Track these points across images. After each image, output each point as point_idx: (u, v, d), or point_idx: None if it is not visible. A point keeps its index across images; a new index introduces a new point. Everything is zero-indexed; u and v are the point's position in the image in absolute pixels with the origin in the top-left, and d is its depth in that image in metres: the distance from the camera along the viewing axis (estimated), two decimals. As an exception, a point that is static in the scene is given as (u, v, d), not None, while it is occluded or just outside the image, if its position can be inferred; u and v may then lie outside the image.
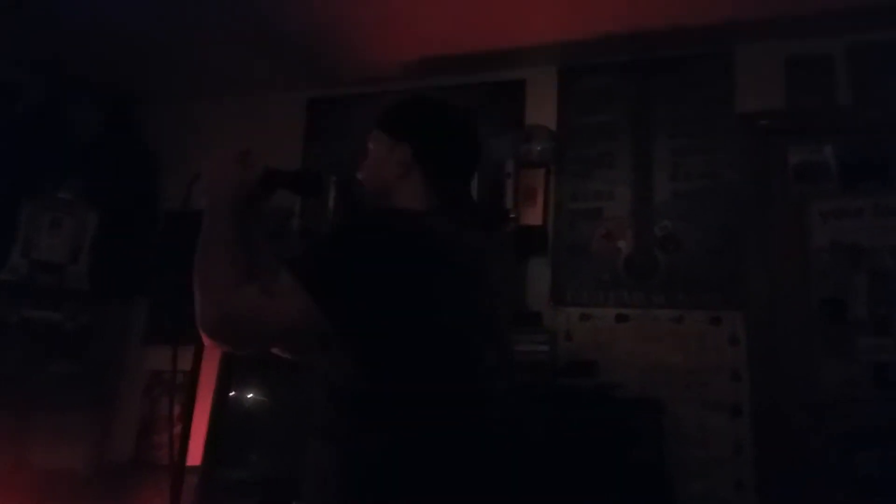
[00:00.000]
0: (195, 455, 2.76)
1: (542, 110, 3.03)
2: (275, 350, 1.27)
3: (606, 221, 2.82)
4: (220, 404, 2.73)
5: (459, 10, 2.72)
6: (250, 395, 2.81)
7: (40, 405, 3.03)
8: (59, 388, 3.06)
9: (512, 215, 2.75)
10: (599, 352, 2.63)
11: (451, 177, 1.38)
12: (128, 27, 2.98)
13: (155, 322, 3.35)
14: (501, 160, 2.87)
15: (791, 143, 2.68)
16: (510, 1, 2.64)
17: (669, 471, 2.26)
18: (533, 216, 2.82)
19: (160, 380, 3.25)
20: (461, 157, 1.41)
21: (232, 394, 2.76)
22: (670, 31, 2.75)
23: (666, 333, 2.61)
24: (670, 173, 2.78)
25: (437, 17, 2.78)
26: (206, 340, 1.15)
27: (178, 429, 1.58)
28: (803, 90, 2.68)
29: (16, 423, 2.95)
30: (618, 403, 2.31)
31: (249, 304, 1.12)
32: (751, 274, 2.57)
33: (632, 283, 2.71)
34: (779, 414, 2.43)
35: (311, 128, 3.41)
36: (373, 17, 2.80)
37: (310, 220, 3.04)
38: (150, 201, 3.46)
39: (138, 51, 3.19)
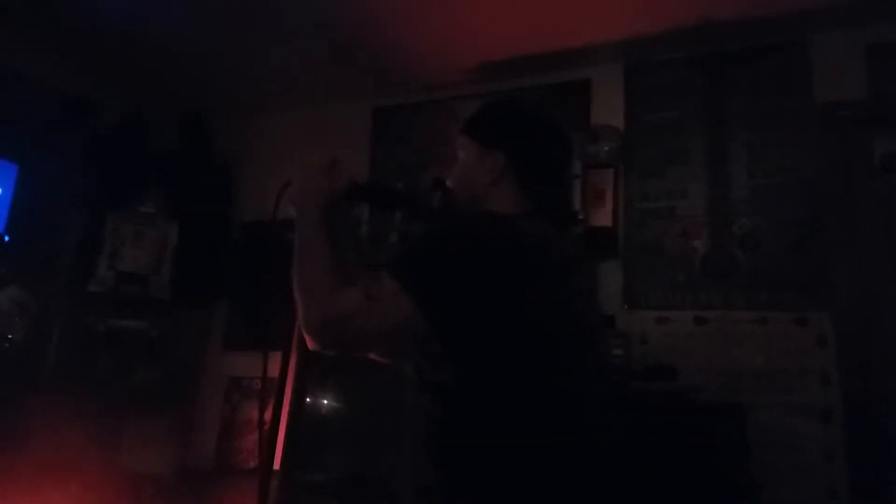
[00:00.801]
0: (276, 459, 2.84)
1: (608, 109, 2.98)
2: (374, 354, 1.30)
3: (681, 220, 2.75)
4: (298, 408, 2.79)
5: (520, 12, 2.72)
6: (325, 400, 2.86)
7: (129, 410, 3.16)
8: (145, 393, 3.18)
9: (581, 217, 2.71)
10: (677, 356, 2.54)
11: (546, 181, 1.38)
12: (200, 44, 3.10)
13: (233, 329, 3.44)
14: (569, 161, 2.83)
15: (876, 133, 2.55)
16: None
17: (755, 479, 2.18)
18: (602, 217, 2.77)
19: (239, 385, 3.33)
20: (555, 161, 1.41)
21: (308, 399, 2.82)
22: (741, 22, 2.67)
23: (748, 336, 2.52)
24: (747, 169, 2.69)
25: (498, 20, 2.78)
26: (310, 344, 1.18)
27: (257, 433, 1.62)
28: (886, 78, 2.55)
29: (107, 428, 3.08)
30: (698, 409, 2.24)
31: (354, 307, 1.14)
32: (837, 271, 2.46)
33: (710, 284, 2.63)
34: (872, 418, 2.32)
35: (377, 135, 3.45)
36: (435, 23, 2.82)
37: (378, 226, 3.07)
38: (226, 211, 3.57)
39: (211, 66, 3.31)
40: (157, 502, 3.02)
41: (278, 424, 1.50)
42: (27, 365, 3.05)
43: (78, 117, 3.39)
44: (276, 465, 2.78)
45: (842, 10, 2.55)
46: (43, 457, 2.73)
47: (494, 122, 1.41)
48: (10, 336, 2.59)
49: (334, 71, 3.27)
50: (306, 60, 3.19)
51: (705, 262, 2.66)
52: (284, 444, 2.74)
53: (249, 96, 3.61)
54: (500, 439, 1.11)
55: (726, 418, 2.17)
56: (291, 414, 2.79)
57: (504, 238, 1.17)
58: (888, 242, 2.45)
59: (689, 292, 2.65)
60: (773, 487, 2.31)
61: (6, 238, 3.04)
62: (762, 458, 2.30)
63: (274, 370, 1.53)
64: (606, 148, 2.83)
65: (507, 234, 1.19)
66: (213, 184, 3.55)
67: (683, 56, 2.89)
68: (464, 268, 1.12)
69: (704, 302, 2.62)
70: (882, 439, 2.29)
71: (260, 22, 2.90)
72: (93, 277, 3.12)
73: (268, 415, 1.59)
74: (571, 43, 2.91)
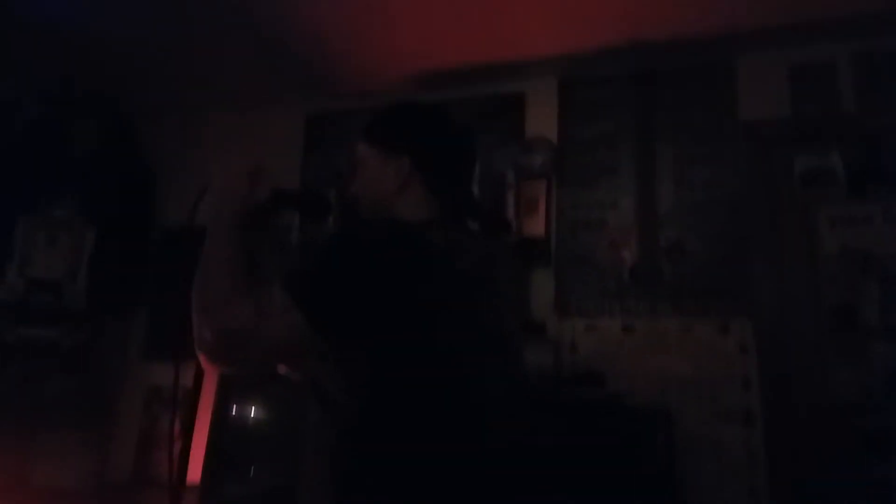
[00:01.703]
0: (194, 472, 2.72)
1: (542, 122, 3.02)
2: (271, 369, 1.24)
3: (611, 231, 2.79)
4: (221, 420, 2.69)
5: (458, 23, 2.72)
6: (249, 411, 2.76)
7: (40, 423, 2.99)
8: (58, 405, 3.02)
9: (513, 226, 2.72)
10: (606, 363, 2.58)
11: (453, 182, 1.35)
12: (127, 42, 2.98)
13: (153, 338, 3.30)
14: (502, 172, 2.86)
15: (797, 150, 2.65)
16: (510, 13, 2.64)
17: (681, 482, 2.21)
18: (535, 227, 2.80)
19: (159, 396, 3.20)
20: (461, 160, 1.38)
21: (232, 410, 2.71)
22: (671, 41, 2.75)
23: (674, 343, 2.57)
24: (675, 182, 2.76)
25: (436, 29, 2.78)
26: (203, 362, 1.11)
27: (177, 446, 1.54)
28: (807, 98, 2.67)
29: (16, 441, 2.91)
30: (626, 414, 2.26)
31: (242, 323, 1.07)
32: (759, 281, 2.54)
33: (638, 292, 2.67)
34: (791, 422, 2.39)
35: (310, 141, 3.40)
36: (371, 30, 2.79)
37: (308, 234, 3.01)
38: (148, 217, 3.43)
39: (137, 66, 3.19)
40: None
41: (191, 435, 1.41)
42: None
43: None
44: (193, 478, 2.67)
45: (767, 32, 2.65)
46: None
47: (396, 128, 1.36)
48: None
49: (266, 76, 3.21)
50: (238, 64, 3.12)
51: (634, 272, 2.70)
52: (205, 456, 2.63)
53: (178, 99, 3.50)
54: (397, 453, 1.08)
55: (653, 423, 2.20)
56: (213, 425, 2.69)
57: (399, 248, 1.13)
58: (807, 253, 2.55)
59: (618, 300, 2.69)
60: (697, 489, 2.35)
61: None
62: (688, 462, 2.35)
63: (189, 379, 1.46)
64: (539, 159, 2.86)
65: (403, 242, 1.14)
66: (134, 188, 3.42)
67: (616, 72, 2.95)
68: (353, 278, 1.08)
69: (632, 310, 2.66)
70: (799, 442, 2.37)
71: (192, 22, 2.81)
72: (1, 285, 2.94)
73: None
74: (507, 56, 2.94)
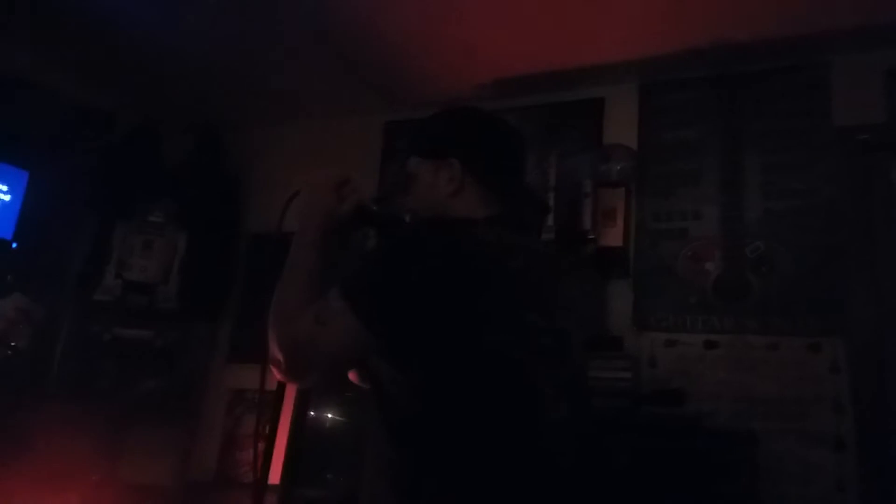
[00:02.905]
0: (275, 474, 2.80)
1: (622, 128, 2.95)
2: (350, 377, 1.26)
3: (693, 242, 2.70)
4: (300, 423, 2.75)
5: (536, 28, 2.70)
6: (329, 415, 2.82)
7: (132, 420, 3.15)
8: (148, 404, 3.16)
9: (591, 236, 2.67)
10: (687, 380, 2.49)
11: (507, 175, 1.35)
12: (213, 57, 3.11)
13: (238, 341, 3.42)
14: (580, 180, 2.81)
15: (894, 157, 2.50)
16: (589, 16, 2.60)
17: (765, 508, 2.12)
18: (613, 237, 2.73)
19: (242, 398, 3.31)
20: (510, 153, 1.37)
21: (311, 413, 2.78)
22: (759, 42, 2.64)
23: (760, 361, 2.46)
24: (762, 191, 2.64)
25: (513, 36, 2.77)
26: (275, 374, 1.15)
27: (261, 447, 1.60)
28: (905, 102, 2.51)
29: (108, 438, 3.07)
30: (708, 434, 2.18)
31: (304, 333, 1.10)
32: (853, 297, 2.40)
33: (722, 307, 2.57)
34: (886, 448, 2.25)
35: (388, 149, 3.44)
36: (448, 37, 2.81)
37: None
38: (235, 224, 3.56)
39: (224, 79, 3.32)
40: (155, 514, 3.00)
41: (274, 437, 1.46)
42: (31, 373, 3.05)
43: (91, 128, 3.43)
44: (274, 480, 2.75)
45: (862, 33, 2.51)
46: (44, 465, 2.71)
47: (440, 133, 1.37)
48: (13, 343, 2.58)
49: (344, 85, 3.27)
50: (316, 75, 3.20)
51: (717, 285, 2.61)
52: (284, 458, 2.71)
53: (260, 109, 3.62)
54: (451, 460, 1.07)
55: (736, 445, 2.12)
56: (293, 428, 2.76)
57: (451, 249, 1.12)
58: (905, 268, 2.40)
59: (700, 315, 2.60)
60: (782, 516, 2.25)
61: (14, 244, 3.05)
62: (772, 487, 2.24)
63: (273, 383, 1.51)
64: (618, 167, 2.79)
65: (456, 243, 1.13)
66: (222, 195, 3.55)
67: (699, 76, 2.86)
68: (407, 282, 1.08)
69: (716, 325, 2.57)
70: (894, 470, 2.23)
71: (271, 36, 2.91)
72: (99, 286, 3.12)
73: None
74: (586, 61, 2.89)
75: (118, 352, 3.16)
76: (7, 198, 3.08)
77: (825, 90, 2.64)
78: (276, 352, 1.14)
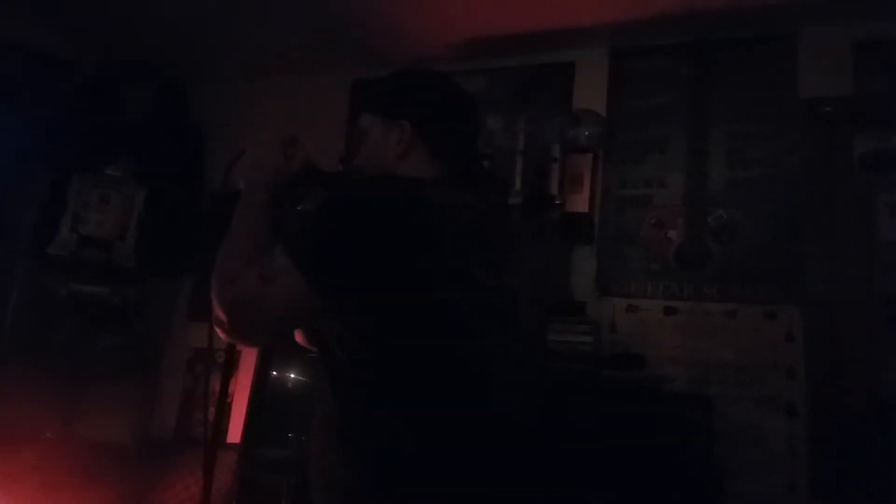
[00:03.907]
0: (235, 433, 2.79)
1: (591, 93, 2.93)
2: (284, 336, 1.25)
3: (657, 209, 2.72)
4: (261, 383, 2.74)
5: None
6: (291, 375, 2.81)
7: (89, 377, 3.09)
8: (106, 360, 3.11)
9: (557, 202, 2.67)
10: (646, 345, 2.54)
11: (458, 144, 1.33)
12: (178, 7, 2.99)
13: (199, 300, 3.37)
14: (548, 145, 2.80)
15: (858, 131, 2.53)
16: (561, -21, 2.56)
17: (718, 470, 2.18)
18: (579, 203, 2.74)
19: (203, 356, 3.28)
20: (463, 123, 1.36)
21: (273, 373, 2.76)
22: (730, 10, 2.63)
23: (718, 328, 2.51)
24: (727, 160, 2.66)
25: (486, -3, 2.72)
26: (220, 334, 1.13)
27: (215, 406, 1.58)
28: (871, 76, 2.53)
29: (65, 395, 3.02)
30: (665, 398, 2.24)
31: (248, 292, 1.08)
32: (810, 267, 2.45)
33: (683, 274, 2.61)
34: (836, 414, 2.32)
35: (355, 108, 3.38)
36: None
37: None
38: (197, 180, 3.48)
39: (188, 31, 3.21)
40: (115, 471, 2.96)
41: (226, 397, 1.44)
42: (-18, 328, 2.97)
43: (48, 76, 3.28)
44: (235, 439, 2.75)
45: (831, 4, 2.52)
46: (-1, 423, 2.66)
47: (395, 93, 1.35)
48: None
49: (314, 41, 3.19)
50: (285, 29, 3.11)
51: (679, 253, 2.64)
52: (246, 417, 2.70)
53: (227, 63, 3.51)
54: (398, 417, 1.07)
55: (693, 409, 2.17)
56: (254, 388, 2.75)
57: (396, 205, 1.11)
58: (863, 240, 2.44)
59: (661, 282, 2.64)
60: (735, 479, 2.31)
61: (-37, 195, 2.94)
62: (726, 450, 2.31)
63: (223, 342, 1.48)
64: (587, 132, 2.79)
65: (401, 199, 1.12)
66: (184, 151, 3.46)
67: (670, 43, 2.85)
68: (350, 237, 1.07)
69: (676, 292, 2.60)
70: (844, 436, 2.30)
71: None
72: (54, 240, 3.02)
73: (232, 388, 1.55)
74: (558, 23, 2.86)
75: (74, 308, 3.08)
76: (-44, 147, 2.96)
77: (792, 61, 2.65)
78: (219, 312, 1.12)
